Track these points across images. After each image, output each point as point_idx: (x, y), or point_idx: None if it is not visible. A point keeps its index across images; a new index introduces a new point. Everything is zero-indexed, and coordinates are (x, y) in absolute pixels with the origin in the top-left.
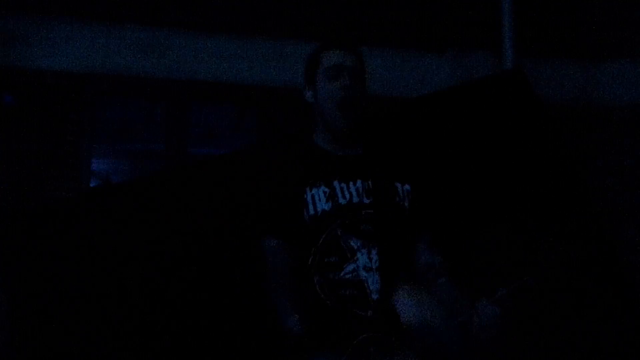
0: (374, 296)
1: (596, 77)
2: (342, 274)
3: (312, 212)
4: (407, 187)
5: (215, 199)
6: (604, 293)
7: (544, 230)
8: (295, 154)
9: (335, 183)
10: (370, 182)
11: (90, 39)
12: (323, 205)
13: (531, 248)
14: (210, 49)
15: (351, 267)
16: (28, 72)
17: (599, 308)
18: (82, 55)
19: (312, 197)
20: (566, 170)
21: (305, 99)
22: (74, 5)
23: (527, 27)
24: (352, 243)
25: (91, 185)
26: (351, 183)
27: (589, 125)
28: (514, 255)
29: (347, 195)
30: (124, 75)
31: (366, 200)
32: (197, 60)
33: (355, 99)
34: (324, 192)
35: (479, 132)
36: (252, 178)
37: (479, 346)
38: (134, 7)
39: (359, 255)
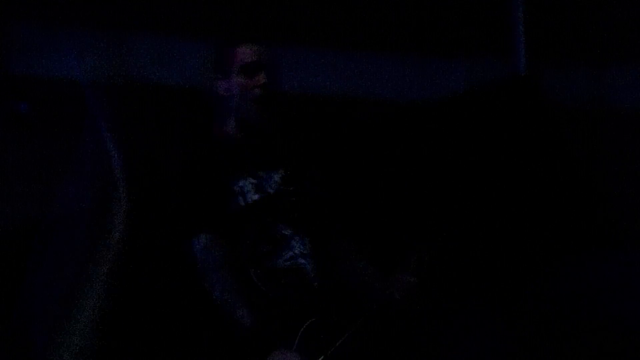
0: (314, 282)
1: (608, 81)
2: (279, 262)
3: (242, 203)
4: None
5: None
6: None
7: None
8: (211, 147)
9: (260, 172)
10: (290, 171)
11: (103, 47)
12: (252, 195)
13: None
14: None
15: (288, 254)
16: (41, 81)
17: None
18: (93, 64)
19: (241, 188)
20: (575, 175)
21: (217, 90)
22: (86, 14)
23: (538, 31)
24: (284, 231)
25: None
26: (274, 172)
27: (600, 130)
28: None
29: (274, 185)
30: (137, 83)
31: (291, 188)
32: None
33: (271, 95)
34: (252, 183)
35: (488, 138)
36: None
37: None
38: (145, 16)
39: (293, 242)
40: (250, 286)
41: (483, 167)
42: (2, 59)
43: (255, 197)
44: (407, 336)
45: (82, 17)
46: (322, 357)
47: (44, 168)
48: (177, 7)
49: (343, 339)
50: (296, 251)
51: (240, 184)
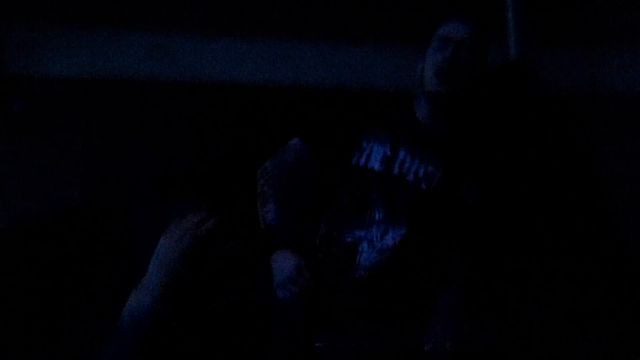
0: (360, 272)
1: (603, 65)
2: (345, 236)
3: (362, 162)
4: (475, 189)
5: None
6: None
7: (548, 223)
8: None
9: (402, 152)
10: (438, 173)
11: (98, 44)
12: (375, 163)
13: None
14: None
15: (358, 234)
16: (37, 79)
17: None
18: (89, 61)
19: (371, 148)
20: (573, 159)
21: (416, 71)
22: (80, 11)
23: (532, 15)
24: (376, 213)
25: None
26: (417, 161)
27: (597, 114)
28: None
29: (405, 169)
30: (133, 79)
31: (423, 186)
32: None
33: (457, 68)
34: (384, 153)
35: (486, 123)
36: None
37: None
38: (140, 12)
39: (374, 227)
40: (308, 239)
41: (481, 153)
42: None
43: (376, 165)
44: None
45: (77, 14)
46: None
47: (39, 167)
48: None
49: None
50: (369, 237)
51: (372, 145)
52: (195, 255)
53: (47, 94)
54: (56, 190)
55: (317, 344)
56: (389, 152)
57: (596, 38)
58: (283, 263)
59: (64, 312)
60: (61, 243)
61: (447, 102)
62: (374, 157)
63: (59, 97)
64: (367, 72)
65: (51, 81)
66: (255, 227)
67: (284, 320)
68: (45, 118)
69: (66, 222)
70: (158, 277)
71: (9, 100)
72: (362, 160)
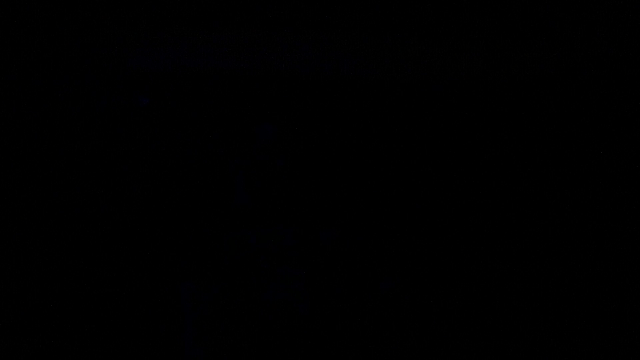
0: (303, 310)
1: None
2: (270, 295)
3: (238, 254)
4: None
5: None
6: None
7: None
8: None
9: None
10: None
11: (200, 40)
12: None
13: None
14: None
15: (282, 287)
16: (160, 75)
17: None
18: (206, 55)
19: (239, 240)
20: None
21: None
22: (199, 9)
23: None
24: (281, 271)
25: None
26: (278, 229)
27: None
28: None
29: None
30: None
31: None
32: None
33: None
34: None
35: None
36: None
37: None
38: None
39: (288, 279)
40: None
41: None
42: (124, 55)
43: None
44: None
45: (198, 12)
46: None
47: (166, 160)
48: None
49: None
50: (286, 284)
51: (239, 235)
52: None
53: (169, 88)
54: (179, 180)
55: None
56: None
57: None
58: None
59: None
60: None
61: None
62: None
63: (180, 90)
64: None
65: (172, 76)
66: None
67: None
68: (168, 113)
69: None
70: None
71: (135, 96)
72: (237, 252)
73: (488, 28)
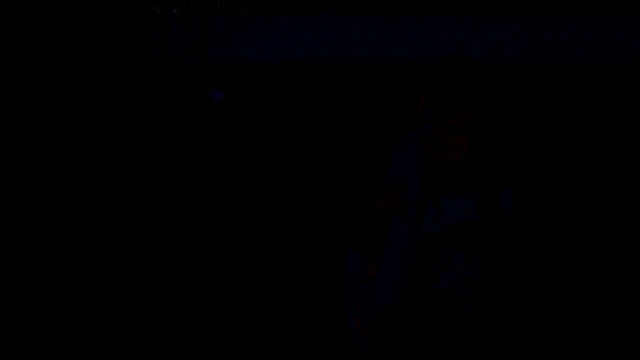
0: (468, 306)
1: None
2: (437, 285)
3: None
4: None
5: None
6: None
7: None
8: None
9: (444, 200)
10: (478, 195)
11: (290, 30)
12: (430, 226)
13: None
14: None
15: (449, 276)
16: (235, 68)
17: None
18: (283, 47)
19: None
20: None
21: None
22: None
23: None
24: (454, 258)
25: None
26: (458, 199)
27: None
28: None
29: (455, 215)
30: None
31: (474, 217)
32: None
33: None
34: (431, 212)
35: None
36: None
37: None
38: None
39: (459, 266)
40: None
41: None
42: (198, 48)
43: (433, 229)
44: None
45: (269, 2)
46: None
47: (240, 156)
48: None
49: None
50: (459, 273)
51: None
52: None
53: (245, 82)
54: (257, 178)
55: None
56: (433, 207)
57: None
58: None
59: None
60: (261, 230)
61: None
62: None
63: (255, 85)
64: None
65: (248, 69)
66: None
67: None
68: (243, 108)
69: (268, 210)
70: None
71: (209, 90)
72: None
73: None
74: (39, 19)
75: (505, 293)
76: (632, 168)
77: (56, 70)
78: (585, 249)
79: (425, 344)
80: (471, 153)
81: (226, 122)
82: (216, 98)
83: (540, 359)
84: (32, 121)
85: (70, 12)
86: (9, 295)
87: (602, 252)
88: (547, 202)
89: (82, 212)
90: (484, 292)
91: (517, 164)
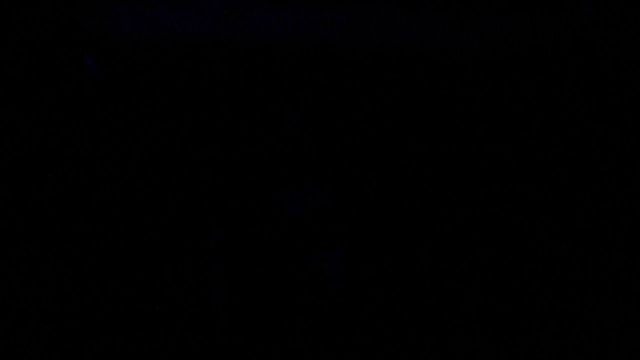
0: (338, 288)
1: None
2: (303, 269)
3: (279, 214)
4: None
5: None
6: None
7: None
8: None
9: (309, 185)
10: (342, 182)
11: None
12: (292, 209)
13: None
14: None
15: (316, 260)
16: (112, 39)
17: None
18: (164, 19)
19: (282, 199)
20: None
21: None
22: None
23: None
24: (319, 243)
25: None
26: (323, 185)
27: None
28: None
29: (319, 200)
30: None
31: (338, 204)
32: None
33: None
34: (294, 196)
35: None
36: None
37: None
38: None
39: (325, 251)
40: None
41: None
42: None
43: (294, 211)
44: None
45: None
46: None
47: (115, 136)
48: None
49: None
50: (326, 255)
51: (283, 193)
52: None
53: (122, 56)
54: (131, 162)
55: None
56: (297, 192)
57: None
58: None
59: None
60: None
61: None
62: (287, 203)
63: (133, 59)
64: None
65: (125, 41)
66: None
67: None
68: (120, 84)
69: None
70: None
71: (83, 64)
72: (278, 211)
73: None
74: None
75: (372, 275)
76: (492, 157)
77: None
78: (450, 231)
79: (295, 324)
80: (336, 140)
81: (97, 98)
82: (90, 67)
83: (405, 338)
84: None
85: None
86: None
87: (465, 236)
88: (412, 188)
89: None
90: (350, 274)
91: (383, 151)
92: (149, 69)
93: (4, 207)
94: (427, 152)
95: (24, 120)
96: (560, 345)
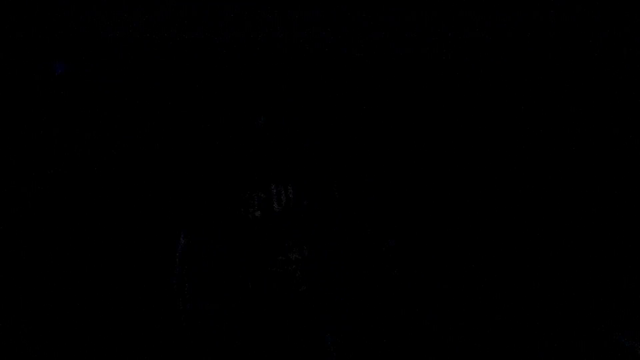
0: (302, 286)
1: None
2: (268, 268)
3: (245, 215)
4: None
5: None
6: None
7: None
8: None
9: (273, 186)
10: (306, 182)
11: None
12: (255, 211)
13: None
14: None
15: (280, 260)
16: (81, 40)
17: None
18: (134, 23)
19: (246, 201)
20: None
21: None
22: None
23: None
24: (285, 242)
25: None
26: (288, 186)
27: None
28: None
29: (283, 202)
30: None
31: (303, 204)
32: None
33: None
34: (259, 198)
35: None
36: None
37: None
38: None
39: (290, 252)
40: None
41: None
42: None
43: (257, 213)
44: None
45: None
46: None
47: (82, 132)
48: None
49: None
50: (291, 257)
51: (248, 195)
52: None
53: (91, 55)
54: (100, 156)
55: None
56: (262, 194)
57: None
58: None
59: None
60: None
61: None
62: (252, 205)
63: (102, 59)
64: None
65: (96, 42)
66: None
67: None
68: (87, 80)
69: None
70: None
71: (52, 63)
72: (245, 213)
73: None
74: None
75: (338, 275)
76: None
77: None
78: (416, 230)
79: (260, 326)
80: (300, 142)
81: (62, 99)
82: (58, 71)
83: (373, 340)
84: None
85: None
86: None
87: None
88: (377, 190)
89: None
90: (316, 273)
91: (350, 151)
92: (113, 71)
93: None
94: (392, 150)
95: None
96: (560, 345)
